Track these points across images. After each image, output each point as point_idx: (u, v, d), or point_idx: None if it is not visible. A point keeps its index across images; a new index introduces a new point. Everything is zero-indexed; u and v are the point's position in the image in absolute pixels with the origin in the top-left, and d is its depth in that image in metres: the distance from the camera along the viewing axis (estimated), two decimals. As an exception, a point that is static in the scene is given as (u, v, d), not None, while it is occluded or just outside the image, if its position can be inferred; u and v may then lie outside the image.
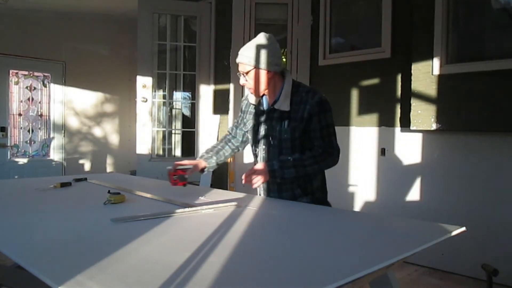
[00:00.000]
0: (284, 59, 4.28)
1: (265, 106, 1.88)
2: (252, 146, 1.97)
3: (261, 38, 1.76)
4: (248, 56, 1.74)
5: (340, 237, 1.27)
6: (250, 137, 1.96)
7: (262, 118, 1.88)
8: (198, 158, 2.01)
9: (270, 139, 1.84)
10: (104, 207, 1.63)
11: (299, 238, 1.25)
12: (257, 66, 1.75)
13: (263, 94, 1.85)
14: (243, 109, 2.03)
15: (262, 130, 1.87)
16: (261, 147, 1.89)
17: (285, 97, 1.79)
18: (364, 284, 1.10)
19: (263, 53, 1.73)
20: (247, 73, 1.77)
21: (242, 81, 1.82)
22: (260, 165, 1.75)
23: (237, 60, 1.79)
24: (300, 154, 1.76)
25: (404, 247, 1.13)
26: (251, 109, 1.95)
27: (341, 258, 1.05)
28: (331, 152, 1.78)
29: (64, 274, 0.88)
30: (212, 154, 2.02)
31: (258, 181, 1.71)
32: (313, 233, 1.31)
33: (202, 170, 2.00)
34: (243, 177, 1.71)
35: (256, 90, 1.81)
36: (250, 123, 1.95)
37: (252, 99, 1.91)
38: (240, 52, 1.78)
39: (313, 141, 1.77)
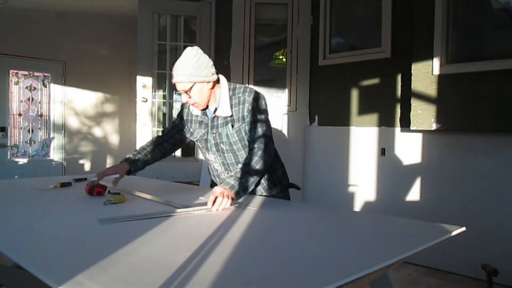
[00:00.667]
0: (284, 59, 4.28)
1: (208, 114, 1.90)
2: (204, 154, 1.99)
3: (190, 53, 1.76)
4: (186, 74, 1.74)
5: (340, 237, 1.27)
6: (200, 145, 1.98)
7: (208, 127, 1.90)
8: (123, 160, 1.98)
9: (221, 145, 1.87)
10: (104, 208, 1.63)
11: (299, 238, 1.25)
12: (197, 81, 1.75)
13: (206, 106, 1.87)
14: (184, 117, 2.02)
15: (211, 139, 1.90)
16: (216, 154, 1.91)
17: (224, 102, 1.83)
18: (364, 284, 1.10)
19: (199, 66, 1.74)
20: (189, 90, 1.77)
21: (184, 98, 1.80)
22: (219, 189, 1.61)
23: (175, 81, 1.77)
24: (244, 161, 1.76)
25: (404, 247, 1.13)
26: (194, 118, 1.96)
27: (341, 258, 1.05)
28: (267, 142, 1.80)
29: (64, 274, 0.88)
30: (139, 156, 2.00)
31: (227, 204, 1.60)
32: (313, 233, 1.31)
33: (128, 173, 1.97)
34: (210, 205, 1.57)
35: (202, 104, 1.82)
36: (198, 133, 1.95)
37: (197, 111, 1.91)
38: (175, 73, 1.76)
39: (249, 136, 1.80)
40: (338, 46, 3.91)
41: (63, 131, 5.50)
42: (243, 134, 1.83)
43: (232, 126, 1.83)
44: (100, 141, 5.87)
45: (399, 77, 3.38)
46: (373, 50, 3.53)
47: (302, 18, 4.04)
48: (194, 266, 0.94)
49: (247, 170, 1.72)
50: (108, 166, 5.92)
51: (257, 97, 1.83)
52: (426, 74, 3.07)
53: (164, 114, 5.17)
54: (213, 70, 1.81)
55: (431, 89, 3.04)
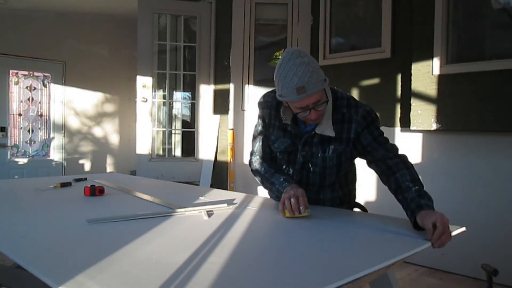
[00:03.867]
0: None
1: (301, 126, 1.59)
2: (285, 166, 1.69)
3: (299, 55, 1.40)
4: (315, 81, 1.37)
5: (340, 237, 1.27)
6: (280, 157, 1.67)
7: (298, 141, 1.58)
8: (288, 184, 1.53)
9: (310, 165, 1.60)
10: (103, 208, 1.63)
11: (299, 238, 1.25)
12: (326, 86, 1.44)
13: None
14: (266, 121, 1.67)
15: (300, 157, 1.60)
16: (297, 172, 1.64)
17: (327, 118, 1.50)
18: (364, 284, 1.10)
19: (317, 71, 1.40)
20: (318, 101, 1.41)
21: (312, 116, 1.44)
22: (439, 218, 1.22)
23: (306, 94, 1.37)
24: (408, 178, 1.47)
25: (404, 247, 1.13)
26: (278, 123, 1.62)
27: (341, 258, 1.05)
28: (400, 152, 1.56)
29: (64, 274, 0.88)
30: (286, 173, 1.67)
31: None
32: (313, 233, 1.31)
33: None
34: (437, 241, 1.19)
35: (320, 117, 1.48)
36: (281, 143, 1.63)
37: (288, 118, 1.56)
38: (302, 85, 1.36)
39: (375, 155, 1.53)
40: (338, 46, 3.91)
41: (63, 131, 5.51)
42: (343, 159, 1.56)
43: (334, 149, 1.54)
44: (100, 141, 5.87)
45: (399, 77, 3.38)
46: (373, 50, 3.53)
47: (302, 18, 4.04)
48: (194, 266, 0.94)
49: (419, 183, 1.45)
50: (108, 166, 5.93)
51: (365, 115, 1.50)
52: (426, 74, 3.07)
53: (164, 114, 5.17)
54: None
55: (431, 89, 3.04)
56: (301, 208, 1.41)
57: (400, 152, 1.57)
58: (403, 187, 1.45)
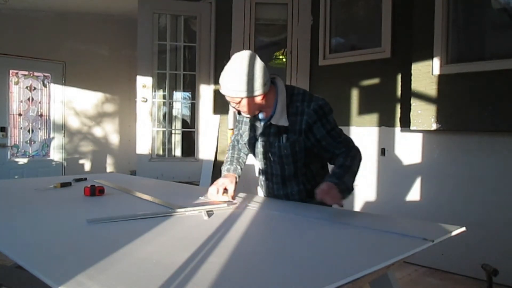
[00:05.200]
0: (284, 59, 4.28)
1: (261, 118, 1.75)
2: (254, 158, 1.89)
3: (241, 62, 1.57)
4: (235, 89, 1.57)
5: (340, 237, 1.27)
6: (248, 148, 1.88)
7: (259, 132, 1.77)
8: (226, 172, 1.88)
9: (269, 155, 1.75)
10: (103, 208, 1.63)
11: (299, 238, 1.25)
12: (244, 96, 1.59)
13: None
14: (237, 118, 1.93)
15: (259, 146, 1.78)
16: (262, 162, 1.82)
17: (281, 111, 1.67)
18: (364, 284, 1.10)
19: (251, 80, 1.57)
20: (237, 103, 1.64)
21: (241, 109, 1.68)
22: (326, 187, 1.53)
23: (223, 93, 1.63)
24: (338, 163, 1.64)
25: (404, 247, 1.13)
26: (246, 120, 1.85)
27: (341, 258, 1.05)
28: (353, 145, 1.70)
29: (64, 274, 0.88)
30: (235, 164, 1.93)
31: (336, 200, 1.54)
32: (313, 233, 1.31)
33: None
34: (321, 195, 1.51)
35: (251, 113, 1.70)
36: (246, 136, 1.85)
37: (246, 114, 1.79)
38: (224, 85, 1.60)
39: (329, 149, 1.67)
40: (338, 46, 3.91)
41: (63, 131, 5.51)
42: (297, 149, 1.68)
43: (287, 138, 1.68)
44: (100, 141, 5.87)
45: (399, 77, 3.38)
46: (373, 50, 3.53)
47: (302, 18, 4.04)
48: (194, 266, 0.94)
49: (345, 169, 1.59)
50: (108, 166, 5.93)
51: (317, 108, 1.64)
52: (426, 74, 3.07)
53: (164, 114, 5.17)
54: (266, 79, 1.61)
55: (431, 89, 3.04)
56: (219, 195, 1.73)
57: (356, 144, 1.73)
58: (331, 171, 1.66)
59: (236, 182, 1.83)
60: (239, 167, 1.93)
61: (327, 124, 1.66)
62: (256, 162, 1.90)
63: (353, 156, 1.65)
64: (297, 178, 1.78)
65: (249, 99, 1.61)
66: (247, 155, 2.01)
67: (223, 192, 1.75)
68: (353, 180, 1.62)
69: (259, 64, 1.59)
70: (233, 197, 1.76)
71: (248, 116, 1.75)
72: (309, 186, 1.78)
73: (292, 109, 1.67)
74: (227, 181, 1.78)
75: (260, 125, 1.77)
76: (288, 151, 1.69)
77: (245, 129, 1.86)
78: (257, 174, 2.01)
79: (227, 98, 1.65)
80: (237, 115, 1.92)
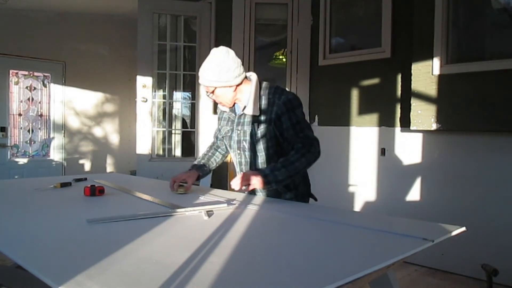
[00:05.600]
0: (284, 59, 4.28)
1: (237, 111, 1.94)
2: (230, 152, 2.01)
3: (217, 55, 1.78)
4: (208, 78, 1.78)
5: (340, 237, 1.27)
6: (225, 142, 2.01)
7: (235, 124, 1.93)
8: (191, 168, 2.06)
9: (244, 143, 1.88)
10: (103, 208, 1.63)
11: (299, 238, 1.25)
12: (218, 86, 1.79)
13: (234, 103, 1.91)
14: (218, 116, 2.09)
15: (235, 136, 1.92)
16: (236, 152, 1.93)
17: (253, 102, 1.83)
18: (364, 284, 1.10)
19: (222, 71, 1.76)
20: (211, 92, 1.83)
21: (216, 100, 1.88)
22: (249, 172, 1.77)
23: (199, 82, 1.84)
24: (287, 156, 1.78)
25: (404, 247, 1.13)
26: (224, 116, 2.01)
27: (341, 258, 1.05)
28: (311, 143, 1.80)
29: (64, 274, 0.88)
30: (204, 162, 2.09)
31: (254, 185, 1.70)
32: (313, 233, 1.31)
33: (197, 179, 2.04)
34: (234, 183, 1.69)
35: (227, 104, 1.88)
36: (224, 130, 2.00)
37: (224, 108, 1.97)
38: (199, 74, 1.82)
39: (290, 141, 1.81)
40: (338, 46, 3.91)
41: (63, 131, 5.51)
42: (268, 137, 1.83)
43: (259, 126, 1.83)
44: (100, 141, 5.87)
45: (399, 77, 3.38)
46: (373, 50, 3.54)
47: (302, 18, 4.04)
48: (194, 266, 0.94)
49: (285, 163, 1.73)
50: (108, 166, 5.93)
51: (286, 101, 1.80)
52: (426, 74, 3.07)
53: (164, 114, 5.17)
54: (238, 72, 1.80)
55: (431, 89, 3.04)
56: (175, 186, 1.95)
57: (318, 146, 1.83)
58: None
59: (197, 178, 2.03)
60: (207, 166, 2.09)
61: (294, 117, 1.80)
62: (234, 158, 2.00)
63: (303, 153, 1.76)
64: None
65: (221, 89, 1.80)
66: (223, 154, 2.15)
67: (179, 186, 1.95)
68: (289, 175, 1.74)
69: (232, 58, 1.78)
70: (188, 189, 1.96)
71: (225, 108, 1.94)
72: None
73: (264, 101, 1.84)
74: (186, 175, 1.98)
75: (235, 118, 1.94)
76: (259, 137, 1.84)
77: (223, 124, 2.02)
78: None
79: (204, 88, 1.85)
80: (218, 113, 2.09)
